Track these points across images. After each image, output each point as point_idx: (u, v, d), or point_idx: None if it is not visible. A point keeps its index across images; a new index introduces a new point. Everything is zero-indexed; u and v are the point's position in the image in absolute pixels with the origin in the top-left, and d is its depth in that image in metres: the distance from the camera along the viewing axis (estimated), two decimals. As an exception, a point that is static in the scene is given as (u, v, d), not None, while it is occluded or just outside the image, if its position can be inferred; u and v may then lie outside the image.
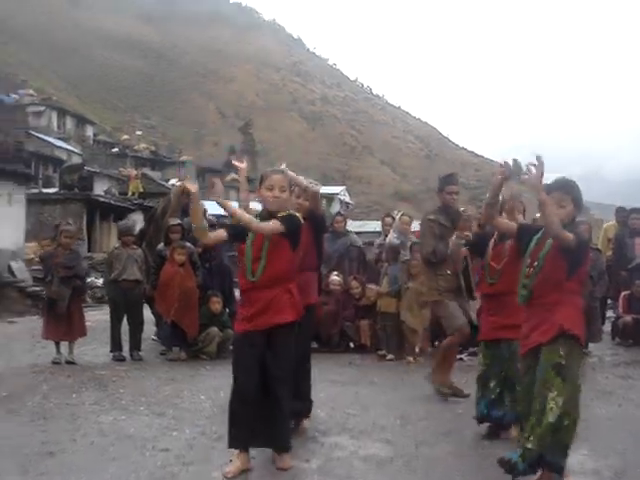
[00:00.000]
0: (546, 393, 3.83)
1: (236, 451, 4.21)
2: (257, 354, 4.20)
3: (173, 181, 47.66)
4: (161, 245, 8.84)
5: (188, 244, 8.65)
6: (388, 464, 4.47)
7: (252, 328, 4.21)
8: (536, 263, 3.98)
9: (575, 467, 4.41)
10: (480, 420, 5.27)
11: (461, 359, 8.75)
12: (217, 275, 9.06)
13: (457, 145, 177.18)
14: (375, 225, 74.40)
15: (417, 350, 8.75)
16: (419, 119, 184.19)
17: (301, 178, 5.27)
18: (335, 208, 77.00)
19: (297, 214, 4.43)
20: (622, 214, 11.43)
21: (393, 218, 9.88)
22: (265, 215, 4.34)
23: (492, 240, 5.36)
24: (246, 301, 4.33)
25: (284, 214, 4.28)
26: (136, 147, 56.34)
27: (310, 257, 5.19)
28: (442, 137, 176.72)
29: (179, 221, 8.92)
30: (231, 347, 8.44)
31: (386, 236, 9.67)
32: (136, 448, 4.63)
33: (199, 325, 8.37)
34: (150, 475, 4.08)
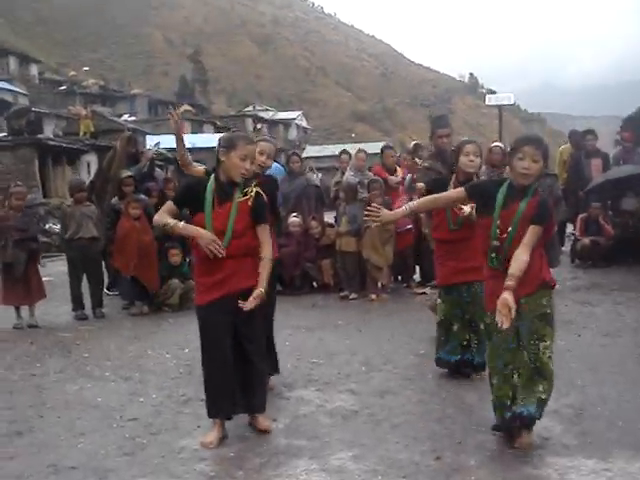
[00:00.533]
0: (538, 344, 3.88)
1: (212, 420, 4.22)
2: (229, 322, 4.10)
3: (126, 117, 46.73)
4: (115, 199, 8.68)
5: (142, 196, 8.51)
6: (353, 418, 4.55)
7: (221, 295, 4.07)
8: (510, 229, 3.86)
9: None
10: (444, 365, 5.38)
11: (424, 293, 8.88)
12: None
13: (413, 62, 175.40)
14: (334, 149, 74.14)
15: (380, 287, 8.84)
16: (373, 36, 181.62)
17: None
18: (292, 134, 76.48)
19: (260, 192, 4.20)
20: (575, 136, 11.53)
21: (349, 155, 9.81)
22: (226, 179, 4.12)
23: (452, 184, 5.35)
24: (212, 268, 4.10)
25: (252, 197, 4.12)
26: (84, 83, 54.71)
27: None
28: (397, 54, 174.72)
29: (130, 173, 8.75)
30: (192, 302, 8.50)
31: (343, 174, 9.63)
32: (104, 419, 4.64)
33: (159, 278, 8.34)
34: (119, 449, 4.11)
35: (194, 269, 4.49)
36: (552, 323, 3.95)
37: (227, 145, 4.09)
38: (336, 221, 9.87)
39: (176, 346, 6.58)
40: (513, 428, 3.97)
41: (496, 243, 3.92)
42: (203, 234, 4.02)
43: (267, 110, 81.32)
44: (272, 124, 72.36)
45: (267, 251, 4.13)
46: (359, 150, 9.83)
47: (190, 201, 4.17)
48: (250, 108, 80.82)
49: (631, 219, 9.98)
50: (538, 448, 3.97)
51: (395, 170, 9.41)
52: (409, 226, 9.19)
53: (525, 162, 3.81)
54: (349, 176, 9.30)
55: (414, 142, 11.15)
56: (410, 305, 8.34)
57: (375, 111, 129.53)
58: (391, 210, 8.41)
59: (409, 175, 9.35)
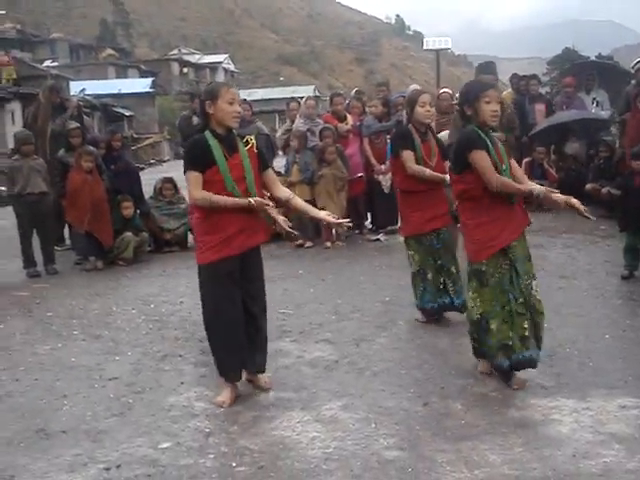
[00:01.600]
0: (531, 282, 4.16)
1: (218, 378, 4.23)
2: (235, 280, 4.05)
3: (48, 62, 44.78)
4: (61, 151, 8.39)
5: (91, 148, 8.26)
6: (335, 367, 4.63)
7: (232, 252, 4.00)
8: (504, 165, 4.12)
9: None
10: (428, 313, 5.50)
11: (378, 239, 8.99)
12: (124, 177, 8.78)
13: (339, 3, 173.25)
14: (262, 93, 72.88)
15: (334, 234, 8.87)
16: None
17: None
18: (220, 78, 74.88)
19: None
20: (516, 80, 11.69)
21: (298, 103, 9.71)
22: (224, 132, 4.02)
23: (416, 136, 5.39)
24: (221, 225, 3.99)
25: (254, 144, 4.09)
26: (1, 27, 51.94)
27: None
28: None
29: (77, 124, 8.46)
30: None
31: (292, 122, 9.54)
32: (83, 380, 4.58)
33: (113, 231, 8.17)
34: (107, 410, 4.07)
35: (196, 228, 4.34)
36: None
37: (211, 96, 4.00)
38: (286, 170, 9.82)
39: (140, 301, 6.50)
40: (518, 369, 4.17)
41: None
42: (255, 200, 3.96)
43: (193, 53, 79.22)
44: (199, 68, 70.65)
45: (285, 191, 4.25)
46: (308, 97, 9.77)
47: (202, 160, 3.99)
48: (175, 52, 78.55)
49: (574, 163, 10.25)
50: (519, 390, 4.13)
51: (345, 117, 9.37)
52: (360, 174, 9.24)
53: (493, 105, 4.09)
54: (299, 124, 9.22)
55: (356, 89, 11.14)
56: (366, 252, 8.44)
57: (302, 53, 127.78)
58: (343, 155, 8.49)
59: (359, 122, 9.37)
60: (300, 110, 9.44)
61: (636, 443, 3.43)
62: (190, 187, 4.01)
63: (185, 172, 4.02)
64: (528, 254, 4.20)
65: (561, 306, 5.78)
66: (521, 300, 4.10)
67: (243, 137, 4.14)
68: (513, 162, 4.29)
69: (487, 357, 4.28)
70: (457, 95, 9.98)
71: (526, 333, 4.10)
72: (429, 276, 5.39)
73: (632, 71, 9.84)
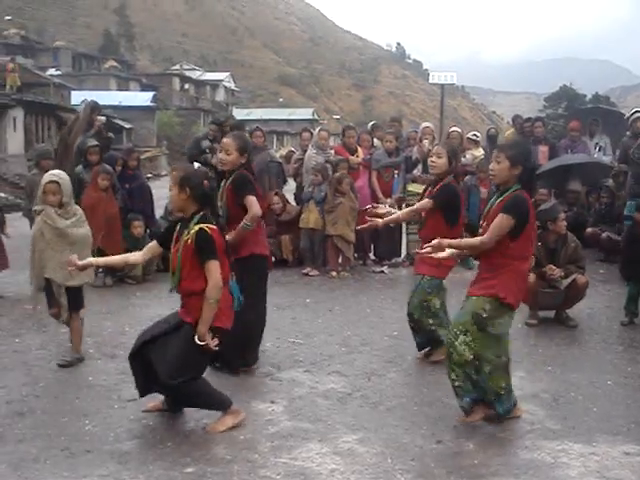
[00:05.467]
0: (459, 336, 4.29)
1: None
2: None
3: (52, 71, 44.96)
4: (79, 167, 8.54)
5: (109, 167, 8.40)
6: (348, 400, 4.77)
7: None
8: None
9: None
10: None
11: (382, 272, 9.15)
12: (138, 196, 8.93)
13: (341, 28, 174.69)
14: (261, 113, 72.96)
15: (340, 264, 9.00)
16: (301, 0, 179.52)
17: None
18: (220, 96, 75.29)
19: (204, 228, 4.17)
20: (520, 121, 11.99)
21: (311, 133, 9.90)
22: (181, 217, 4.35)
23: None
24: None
25: (192, 236, 4.18)
26: (5, 33, 52.08)
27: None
28: (326, 19, 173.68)
29: (96, 142, 8.61)
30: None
31: (304, 151, 9.71)
32: (102, 399, 4.70)
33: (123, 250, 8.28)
34: (129, 432, 4.19)
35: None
36: (485, 328, 4.26)
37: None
38: (295, 197, 9.99)
39: (151, 321, 6.54)
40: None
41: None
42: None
43: (194, 69, 79.79)
44: (199, 84, 71.10)
45: (209, 291, 4.12)
46: (321, 129, 9.97)
47: (164, 235, 4.48)
48: (177, 67, 79.03)
49: (575, 200, 10.35)
50: (528, 432, 4.29)
51: (356, 150, 9.56)
52: (368, 206, 9.38)
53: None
54: (312, 154, 9.39)
55: (372, 123, 11.35)
56: (372, 284, 8.60)
57: (302, 76, 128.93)
58: (354, 187, 8.67)
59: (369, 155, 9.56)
60: (313, 140, 9.61)
61: (643, 491, 3.58)
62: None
63: None
64: (478, 314, 4.25)
65: (563, 350, 5.95)
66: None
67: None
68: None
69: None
70: (469, 135, 10.24)
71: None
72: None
73: (628, 119, 9.99)
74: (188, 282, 4.19)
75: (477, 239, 4.27)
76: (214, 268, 4.12)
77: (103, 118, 10.45)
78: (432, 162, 5.28)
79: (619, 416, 4.57)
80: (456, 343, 4.27)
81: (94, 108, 9.51)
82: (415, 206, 5.70)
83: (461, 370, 4.29)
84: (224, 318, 4.25)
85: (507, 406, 4.39)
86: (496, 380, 4.31)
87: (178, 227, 4.29)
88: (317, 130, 9.79)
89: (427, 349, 5.67)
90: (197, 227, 4.15)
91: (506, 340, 4.38)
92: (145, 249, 4.57)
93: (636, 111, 9.81)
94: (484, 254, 4.31)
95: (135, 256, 4.66)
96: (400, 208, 8.33)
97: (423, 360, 5.65)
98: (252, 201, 5.13)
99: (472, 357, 4.26)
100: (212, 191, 4.47)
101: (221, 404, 4.29)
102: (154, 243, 4.50)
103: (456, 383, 4.35)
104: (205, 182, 4.35)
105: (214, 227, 4.20)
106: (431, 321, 5.49)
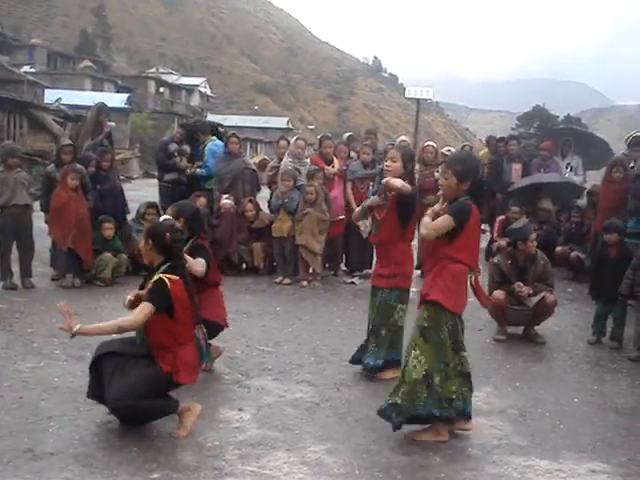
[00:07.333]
0: (411, 352, 4.32)
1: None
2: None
3: (26, 68, 44.44)
4: (51, 166, 8.44)
5: (79, 166, 8.30)
6: (317, 410, 4.75)
7: None
8: None
9: (483, 407, 4.92)
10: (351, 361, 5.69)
11: (353, 282, 9.16)
12: (109, 198, 8.83)
13: (319, 39, 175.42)
14: (236, 119, 72.69)
15: (311, 273, 9.00)
16: (281, 9, 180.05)
17: None
18: (195, 100, 75.03)
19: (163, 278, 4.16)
20: (494, 142, 12.14)
21: (288, 142, 9.90)
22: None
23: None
24: None
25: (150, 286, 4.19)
26: (-21, 28, 51.46)
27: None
28: (305, 30, 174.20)
29: (70, 142, 8.52)
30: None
31: (280, 159, 9.70)
32: (67, 402, 4.62)
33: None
34: (94, 435, 4.13)
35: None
36: (429, 338, 4.29)
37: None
38: (269, 205, 9.97)
39: (119, 325, 6.52)
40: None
41: None
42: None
43: (170, 73, 79.41)
44: (175, 89, 70.74)
45: (124, 320, 4.16)
46: (298, 137, 9.97)
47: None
48: (153, 70, 78.62)
49: (545, 218, 10.45)
50: (495, 447, 4.31)
51: (332, 160, 9.56)
52: (342, 216, 9.41)
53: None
54: (287, 162, 9.39)
55: (348, 134, 11.39)
56: (341, 294, 8.60)
57: (278, 85, 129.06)
58: (328, 198, 8.69)
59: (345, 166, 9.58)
60: (289, 149, 9.60)
61: (607, 509, 3.61)
62: None
63: None
64: (422, 325, 4.31)
65: (531, 367, 6.00)
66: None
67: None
68: None
69: None
70: (443, 150, 10.32)
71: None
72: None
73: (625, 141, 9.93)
74: (153, 337, 4.20)
75: (426, 223, 4.37)
76: (144, 309, 4.09)
77: (113, 123, 10.44)
78: (387, 166, 5.17)
79: (585, 434, 4.61)
80: (409, 359, 4.31)
81: (102, 110, 9.46)
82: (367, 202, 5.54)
83: (411, 389, 4.28)
84: (184, 374, 4.19)
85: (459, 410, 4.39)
86: (446, 387, 4.30)
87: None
88: (294, 139, 9.79)
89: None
90: (158, 276, 4.15)
91: (448, 345, 4.33)
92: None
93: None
94: (426, 256, 4.37)
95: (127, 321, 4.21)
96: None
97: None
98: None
99: (424, 374, 4.25)
100: (176, 243, 4.34)
101: (167, 408, 4.22)
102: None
103: (398, 401, 4.30)
104: (167, 235, 4.27)
105: (177, 279, 4.16)
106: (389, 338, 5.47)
